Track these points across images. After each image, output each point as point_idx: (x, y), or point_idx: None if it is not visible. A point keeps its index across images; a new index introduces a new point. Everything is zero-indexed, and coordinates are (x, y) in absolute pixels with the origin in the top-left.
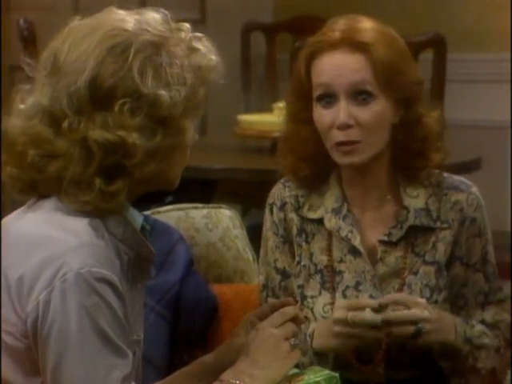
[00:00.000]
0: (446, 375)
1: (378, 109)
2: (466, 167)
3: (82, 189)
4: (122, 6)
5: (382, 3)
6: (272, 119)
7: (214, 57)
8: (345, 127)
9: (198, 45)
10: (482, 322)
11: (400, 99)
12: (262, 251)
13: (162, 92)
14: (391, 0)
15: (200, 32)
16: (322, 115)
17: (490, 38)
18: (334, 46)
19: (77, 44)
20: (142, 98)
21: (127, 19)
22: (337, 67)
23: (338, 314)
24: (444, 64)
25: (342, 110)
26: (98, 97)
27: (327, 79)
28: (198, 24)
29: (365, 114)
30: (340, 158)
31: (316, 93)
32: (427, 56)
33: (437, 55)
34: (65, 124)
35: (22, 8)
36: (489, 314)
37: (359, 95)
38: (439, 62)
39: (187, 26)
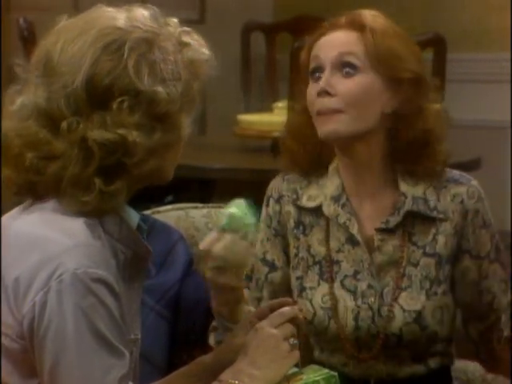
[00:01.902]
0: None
1: (363, 82)
2: (466, 167)
3: (82, 189)
4: (111, 4)
5: (381, 3)
6: (272, 119)
7: (205, 50)
8: (323, 94)
9: (188, 39)
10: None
11: (393, 82)
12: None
13: (159, 88)
14: (391, 0)
15: (200, 32)
16: (310, 89)
17: (490, 38)
18: (336, 27)
19: (70, 44)
20: (140, 95)
21: (118, 17)
22: (330, 42)
23: None
24: (444, 64)
25: (323, 78)
26: (96, 96)
27: (319, 52)
28: (198, 24)
29: (346, 84)
30: (320, 128)
31: (310, 68)
32: (427, 56)
33: (436, 55)
34: (63, 125)
35: (21, 8)
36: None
37: (344, 67)
38: (439, 62)
39: (175, 20)
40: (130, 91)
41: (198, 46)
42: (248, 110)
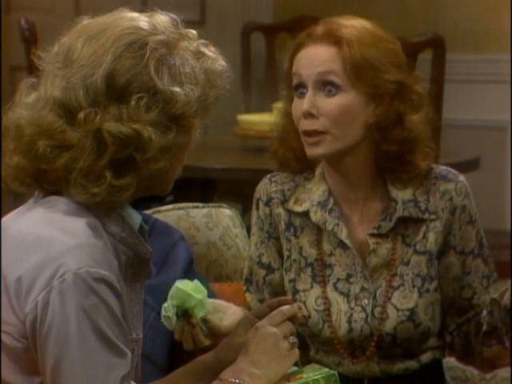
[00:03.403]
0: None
1: (345, 101)
2: (465, 167)
3: (92, 180)
4: (126, 7)
5: (381, 3)
6: (272, 119)
7: (222, 62)
8: (308, 116)
9: (206, 50)
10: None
11: (375, 96)
12: (248, 245)
13: (178, 89)
14: (390, 0)
15: (200, 33)
16: (295, 105)
17: (489, 39)
18: (314, 39)
19: (92, 39)
20: (158, 94)
21: (140, 19)
22: (309, 58)
23: None
24: (443, 64)
25: (306, 99)
26: (115, 90)
27: (300, 69)
28: (198, 25)
29: (329, 104)
30: (308, 150)
31: (293, 83)
32: (426, 56)
33: (436, 56)
34: (81, 115)
35: (22, 9)
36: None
37: (326, 86)
38: (438, 63)
39: (194, 32)
40: (148, 89)
41: (216, 57)
42: (248, 110)
